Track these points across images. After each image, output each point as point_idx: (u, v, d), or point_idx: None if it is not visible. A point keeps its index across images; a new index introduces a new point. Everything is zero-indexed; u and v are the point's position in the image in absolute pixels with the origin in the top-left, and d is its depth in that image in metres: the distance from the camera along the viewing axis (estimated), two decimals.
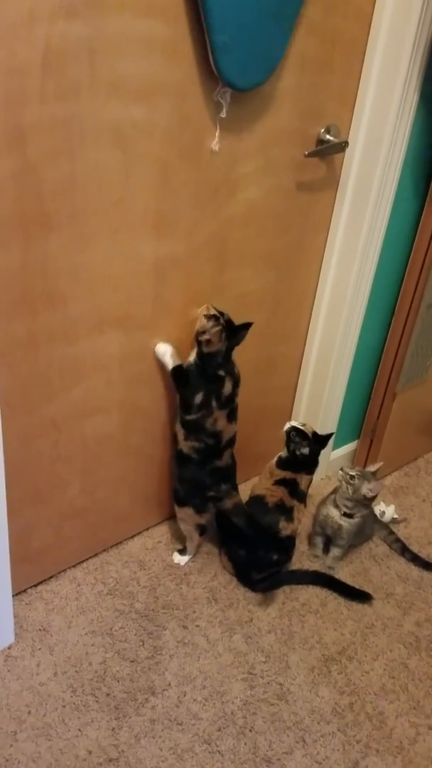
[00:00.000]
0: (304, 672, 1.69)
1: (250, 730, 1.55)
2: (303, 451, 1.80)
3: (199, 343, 1.62)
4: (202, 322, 1.61)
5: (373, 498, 1.88)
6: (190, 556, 1.91)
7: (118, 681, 1.61)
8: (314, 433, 1.84)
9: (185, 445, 1.73)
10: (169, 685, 1.62)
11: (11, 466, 1.47)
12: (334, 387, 2.08)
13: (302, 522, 1.91)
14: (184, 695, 1.60)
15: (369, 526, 2.02)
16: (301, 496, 1.85)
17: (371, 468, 1.91)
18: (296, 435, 1.81)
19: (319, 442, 1.84)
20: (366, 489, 1.85)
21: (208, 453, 1.73)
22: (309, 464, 1.85)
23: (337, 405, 2.14)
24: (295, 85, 1.55)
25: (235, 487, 1.82)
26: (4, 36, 1.12)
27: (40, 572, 1.79)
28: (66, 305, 1.45)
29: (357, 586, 1.90)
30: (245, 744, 1.53)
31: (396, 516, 2.14)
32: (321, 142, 1.68)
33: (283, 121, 1.58)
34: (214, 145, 1.48)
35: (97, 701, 1.56)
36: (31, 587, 1.78)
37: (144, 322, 1.62)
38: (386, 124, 1.66)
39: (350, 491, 1.86)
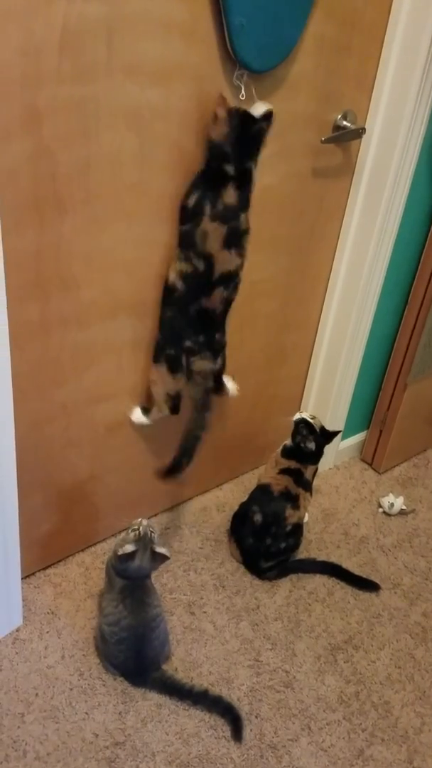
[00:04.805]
0: (310, 660, 1.69)
1: (256, 717, 1.56)
2: (309, 445, 1.80)
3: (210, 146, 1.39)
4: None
5: None
6: (149, 422, 1.70)
7: None
8: (322, 428, 1.83)
9: (173, 270, 1.46)
10: (176, 670, 1.62)
11: (22, 450, 1.47)
12: (344, 377, 2.07)
13: (308, 510, 1.91)
14: (191, 681, 1.60)
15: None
16: (307, 485, 1.85)
17: None
18: (304, 427, 1.81)
19: (325, 437, 1.84)
20: None
21: (195, 283, 1.46)
22: (314, 456, 1.84)
23: (347, 395, 2.13)
24: (312, 69, 1.53)
25: (215, 353, 1.58)
26: (22, 15, 1.10)
27: (49, 556, 1.80)
28: (79, 289, 1.44)
29: (364, 576, 1.90)
30: (251, 730, 1.53)
31: (404, 507, 2.13)
32: (338, 128, 1.66)
33: (299, 106, 1.57)
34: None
35: (104, 685, 1.57)
36: (39, 570, 1.79)
37: (157, 307, 1.60)
38: (404, 110, 1.64)
39: None
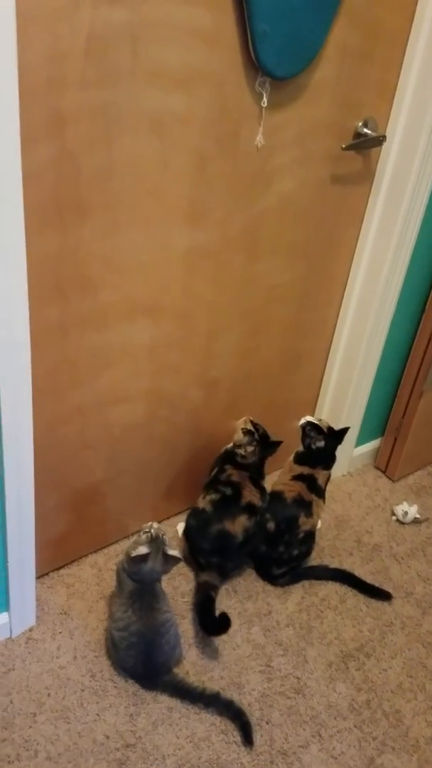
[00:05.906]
0: (321, 667, 1.69)
1: (267, 723, 1.56)
2: (318, 444, 1.80)
3: (235, 454, 1.80)
4: (239, 436, 1.77)
5: None
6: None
7: None
8: (330, 428, 1.83)
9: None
10: (187, 673, 1.62)
11: (38, 450, 1.48)
12: (360, 383, 2.07)
13: (321, 517, 1.91)
14: (202, 684, 1.60)
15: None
16: (320, 492, 1.85)
17: None
18: (311, 429, 1.81)
19: (334, 436, 1.83)
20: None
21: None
22: (326, 459, 1.84)
23: (362, 401, 2.12)
24: (334, 76, 1.54)
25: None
26: (49, 20, 1.11)
27: (63, 556, 1.81)
28: (97, 293, 1.45)
29: (377, 585, 1.89)
30: (261, 736, 1.53)
31: (418, 516, 2.12)
32: (358, 135, 1.66)
33: (321, 112, 1.57)
34: (258, 140, 1.47)
35: (115, 687, 1.58)
36: (53, 571, 1.79)
37: (173, 311, 1.61)
38: (425, 118, 1.64)
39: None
